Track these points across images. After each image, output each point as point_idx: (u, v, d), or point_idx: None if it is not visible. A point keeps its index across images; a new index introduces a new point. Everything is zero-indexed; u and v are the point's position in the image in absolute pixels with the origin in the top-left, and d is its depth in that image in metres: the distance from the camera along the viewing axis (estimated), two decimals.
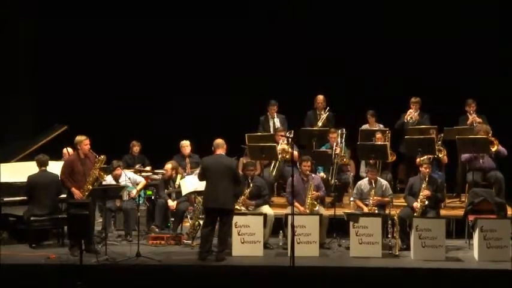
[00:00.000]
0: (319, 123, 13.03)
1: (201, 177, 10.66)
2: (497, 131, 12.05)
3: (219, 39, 14.37)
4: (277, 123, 13.07)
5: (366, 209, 11.00)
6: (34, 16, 14.55)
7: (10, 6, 13.95)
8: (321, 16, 14.17)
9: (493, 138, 11.77)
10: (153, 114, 14.30)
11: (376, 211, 10.98)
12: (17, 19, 14.23)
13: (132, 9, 14.51)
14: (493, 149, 11.76)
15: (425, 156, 11.41)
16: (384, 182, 11.31)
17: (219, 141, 10.65)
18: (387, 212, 11.15)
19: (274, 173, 12.37)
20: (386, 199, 11.18)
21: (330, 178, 12.10)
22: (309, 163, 11.31)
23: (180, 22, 14.46)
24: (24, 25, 14.42)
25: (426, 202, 10.82)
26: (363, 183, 11.30)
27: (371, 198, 11.03)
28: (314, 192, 11.10)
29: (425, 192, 10.81)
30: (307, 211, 11.00)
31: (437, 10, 13.97)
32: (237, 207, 11.02)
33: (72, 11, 14.46)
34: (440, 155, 12.05)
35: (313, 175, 11.42)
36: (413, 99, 13.05)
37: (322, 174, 12.06)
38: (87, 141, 10.75)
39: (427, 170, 10.95)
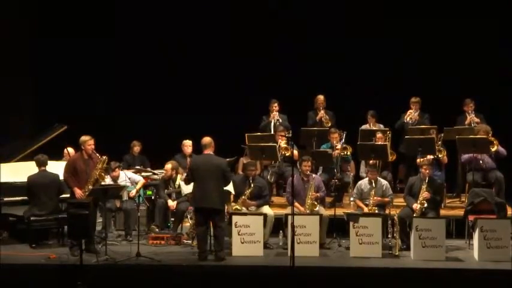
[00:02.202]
0: (329, 124, 12.99)
1: (187, 180, 10.65)
2: (497, 131, 12.04)
3: (219, 39, 14.38)
4: (278, 122, 13.05)
5: (366, 209, 11.00)
6: (34, 16, 14.54)
7: (10, 6, 13.94)
8: (321, 16, 14.17)
9: (492, 138, 11.77)
10: (153, 114, 14.32)
11: (376, 211, 10.98)
12: (17, 19, 14.22)
13: (132, 9, 14.50)
14: (493, 149, 11.76)
15: (426, 158, 11.39)
16: (384, 182, 11.31)
17: (206, 140, 10.58)
18: (387, 212, 11.14)
19: (272, 178, 12.37)
20: (386, 199, 11.18)
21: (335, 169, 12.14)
22: (309, 163, 11.31)
23: (180, 21, 14.45)
24: (24, 25, 14.41)
25: (425, 204, 10.80)
26: (363, 183, 11.30)
27: (371, 198, 11.03)
28: (314, 193, 11.09)
29: (424, 194, 10.80)
30: (307, 211, 11.00)
31: (436, 9, 13.98)
32: (237, 207, 11.03)
33: (72, 10, 14.46)
34: (440, 155, 12.05)
35: (313, 175, 11.41)
36: (413, 99, 13.06)
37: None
38: (92, 142, 10.76)
39: (427, 171, 10.94)
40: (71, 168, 10.73)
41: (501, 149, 11.83)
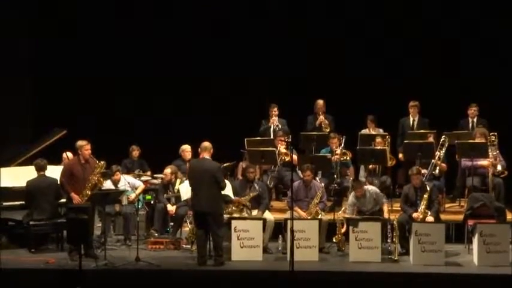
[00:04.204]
0: (327, 130, 12.99)
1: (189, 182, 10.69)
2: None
3: (218, 40, 14.39)
4: (278, 127, 13.05)
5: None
6: (34, 16, 14.56)
7: (10, 6, 13.96)
8: (320, 17, 14.18)
9: (493, 139, 11.72)
10: (153, 117, 14.33)
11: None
12: (17, 19, 14.23)
13: (131, 9, 14.51)
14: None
15: (414, 168, 11.27)
16: (373, 191, 11.15)
17: (204, 144, 10.61)
18: (386, 216, 11.12)
19: (271, 183, 12.36)
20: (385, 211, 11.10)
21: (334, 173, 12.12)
22: (308, 172, 11.27)
23: (179, 22, 14.46)
24: (24, 25, 14.42)
25: (429, 213, 10.78)
26: (352, 198, 11.19)
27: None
28: (318, 202, 11.09)
29: (429, 219, 10.73)
30: (309, 217, 10.99)
31: (436, 11, 13.99)
32: (240, 202, 11.04)
33: (71, 11, 14.47)
34: (438, 168, 11.98)
35: (317, 183, 11.38)
36: (411, 103, 13.07)
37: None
38: (88, 146, 10.74)
39: (417, 181, 10.92)
40: (67, 173, 10.71)
41: (499, 166, 11.75)
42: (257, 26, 14.22)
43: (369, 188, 11.27)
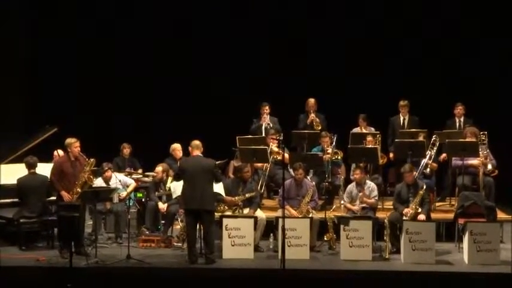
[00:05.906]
0: (319, 128, 13.02)
1: (177, 176, 10.72)
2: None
3: (212, 40, 14.38)
4: (269, 125, 13.07)
5: (356, 208, 11.01)
6: (34, 17, 14.52)
7: (10, 6, 13.91)
8: (317, 17, 14.21)
9: (483, 138, 11.76)
10: (146, 116, 14.32)
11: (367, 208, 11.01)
12: (17, 19, 14.18)
13: (129, 9, 14.50)
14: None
15: (407, 165, 11.29)
16: (370, 184, 11.26)
17: (195, 142, 10.65)
18: (377, 215, 11.15)
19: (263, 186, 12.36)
20: (371, 201, 11.13)
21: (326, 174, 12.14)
22: (300, 171, 11.29)
23: (177, 22, 14.46)
24: (25, 26, 14.38)
25: (420, 209, 10.80)
26: (352, 186, 11.30)
27: (358, 199, 11.04)
28: (309, 201, 11.10)
29: (420, 217, 10.78)
30: (300, 216, 11.00)
31: (436, 11, 14.03)
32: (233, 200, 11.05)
33: (70, 11, 14.45)
34: (429, 167, 12.01)
35: (308, 182, 11.39)
36: (401, 103, 13.12)
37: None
38: (77, 144, 10.73)
39: (410, 179, 10.96)
40: (57, 171, 10.68)
41: (490, 165, 11.79)
42: (256, 25, 14.23)
43: (368, 181, 11.31)
